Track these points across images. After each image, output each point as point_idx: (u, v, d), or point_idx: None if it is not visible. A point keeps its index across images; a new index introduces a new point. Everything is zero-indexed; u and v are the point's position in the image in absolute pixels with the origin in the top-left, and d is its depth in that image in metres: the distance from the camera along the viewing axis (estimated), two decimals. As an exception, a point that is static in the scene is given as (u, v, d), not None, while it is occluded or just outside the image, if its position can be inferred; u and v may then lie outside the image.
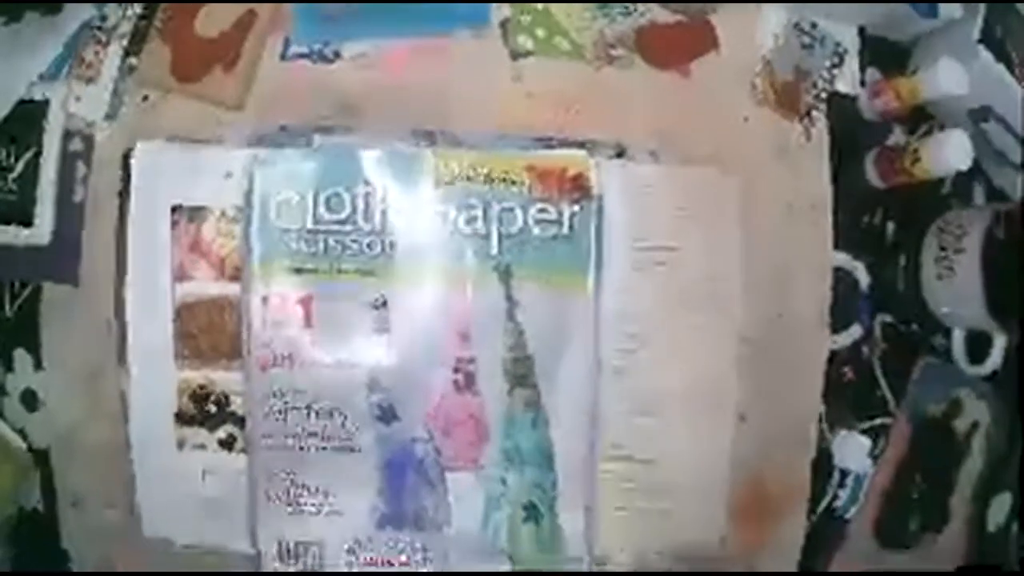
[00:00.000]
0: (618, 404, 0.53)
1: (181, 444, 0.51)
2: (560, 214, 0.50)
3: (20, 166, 0.53)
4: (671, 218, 0.53)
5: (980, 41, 0.53)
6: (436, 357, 0.50)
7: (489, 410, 0.50)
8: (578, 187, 0.50)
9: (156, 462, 0.52)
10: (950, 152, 0.51)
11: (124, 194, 0.51)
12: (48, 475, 0.54)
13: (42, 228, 0.53)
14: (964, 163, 0.52)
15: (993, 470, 0.61)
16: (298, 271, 0.49)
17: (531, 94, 0.53)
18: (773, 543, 0.57)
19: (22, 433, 0.55)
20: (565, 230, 0.50)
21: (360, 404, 0.49)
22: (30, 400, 0.54)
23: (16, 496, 0.55)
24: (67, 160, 0.53)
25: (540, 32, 0.53)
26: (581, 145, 0.52)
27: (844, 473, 0.58)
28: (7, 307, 0.54)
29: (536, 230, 0.50)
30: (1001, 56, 0.53)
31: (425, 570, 0.51)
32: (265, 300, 0.49)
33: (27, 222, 0.53)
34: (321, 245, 0.49)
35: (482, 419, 0.50)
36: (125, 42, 0.53)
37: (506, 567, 0.51)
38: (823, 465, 0.57)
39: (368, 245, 0.49)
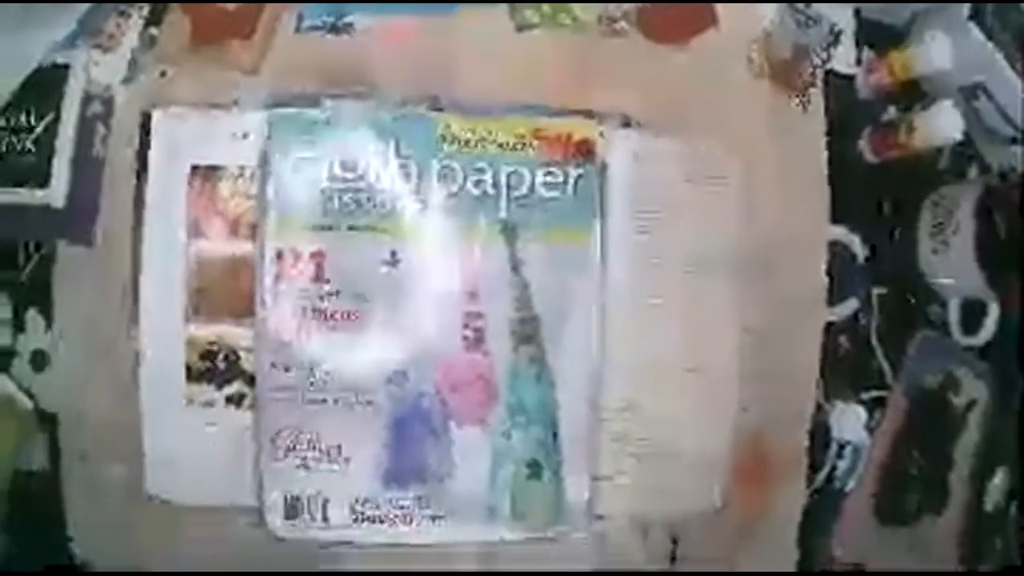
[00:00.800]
0: (621, 368, 0.54)
1: (190, 401, 0.52)
2: (566, 176, 0.52)
3: (39, 128, 0.54)
4: (672, 187, 0.55)
5: (970, 19, 0.55)
6: (445, 314, 0.51)
7: (497, 369, 0.51)
8: (583, 151, 0.52)
9: (164, 419, 0.52)
10: (943, 121, 0.53)
11: (140, 155, 0.52)
12: (54, 434, 0.55)
13: (58, 189, 0.53)
14: (956, 132, 0.54)
15: (990, 447, 0.62)
16: (312, 228, 0.50)
17: (537, 67, 0.55)
18: (772, 511, 0.57)
19: (29, 393, 0.55)
20: (570, 192, 0.52)
21: (370, 360, 0.50)
22: (39, 361, 0.55)
23: (18, 454, 0.55)
24: (86, 122, 0.54)
25: (546, 8, 0.55)
26: (587, 114, 0.53)
27: (842, 444, 0.59)
28: (21, 269, 0.55)
29: (543, 192, 0.51)
30: (991, 34, 0.55)
31: (430, 527, 0.51)
32: (279, 255, 0.50)
33: (44, 183, 0.54)
34: (335, 203, 0.50)
35: (490, 378, 0.51)
36: (145, 11, 0.55)
37: (509, 526, 0.52)
38: (821, 436, 0.58)
39: (380, 204, 0.50)
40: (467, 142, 0.51)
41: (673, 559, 0.56)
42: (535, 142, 0.52)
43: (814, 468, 0.58)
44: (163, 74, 0.54)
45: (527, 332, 0.51)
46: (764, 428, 0.57)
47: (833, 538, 0.59)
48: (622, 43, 0.56)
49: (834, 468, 0.59)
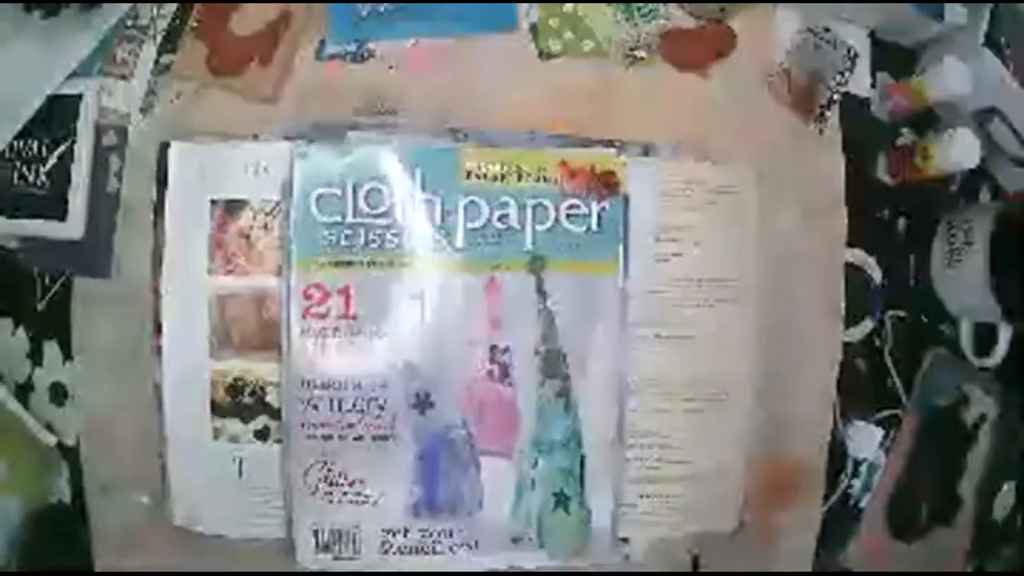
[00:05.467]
0: (642, 393, 0.54)
1: (216, 435, 0.52)
2: (590, 210, 0.52)
3: (52, 159, 0.53)
4: (692, 213, 0.55)
5: (985, 44, 0.56)
6: (471, 348, 0.51)
7: (522, 399, 0.52)
8: (607, 184, 0.52)
9: (190, 453, 0.52)
10: (959, 149, 0.54)
11: (160, 188, 0.52)
12: (77, 467, 0.54)
13: (75, 221, 0.53)
14: (972, 160, 0.54)
15: (1000, 461, 0.63)
16: (337, 263, 0.50)
17: (559, 94, 0.55)
18: (790, 528, 0.58)
19: (49, 427, 0.55)
20: (595, 225, 0.52)
21: (396, 393, 0.50)
22: (59, 394, 0.55)
23: (39, 486, 0.55)
24: (100, 154, 0.53)
25: (568, 35, 0.55)
26: (608, 144, 0.53)
27: (858, 462, 0.60)
28: (38, 301, 0.55)
29: (567, 225, 0.52)
30: (1002, 56, 0.56)
31: (457, 556, 0.52)
32: (304, 291, 0.50)
33: (59, 216, 0.53)
34: (360, 238, 0.50)
35: (515, 408, 0.52)
36: (159, 39, 0.54)
37: (536, 554, 0.52)
38: (837, 454, 0.59)
39: (405, 238, 0.50)
40: (491, 175, 0.51)
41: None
42: (559, 175, 0.52)
43: (831, 486, 0.59)
44: (180, 94, 0.54)
45: (553, 365, 0.52)
46: (781, 447, 0.58)
47: (847, 552, 0.61)
48: (643, 70, 0.56)
49: (850, 486, 0.60)
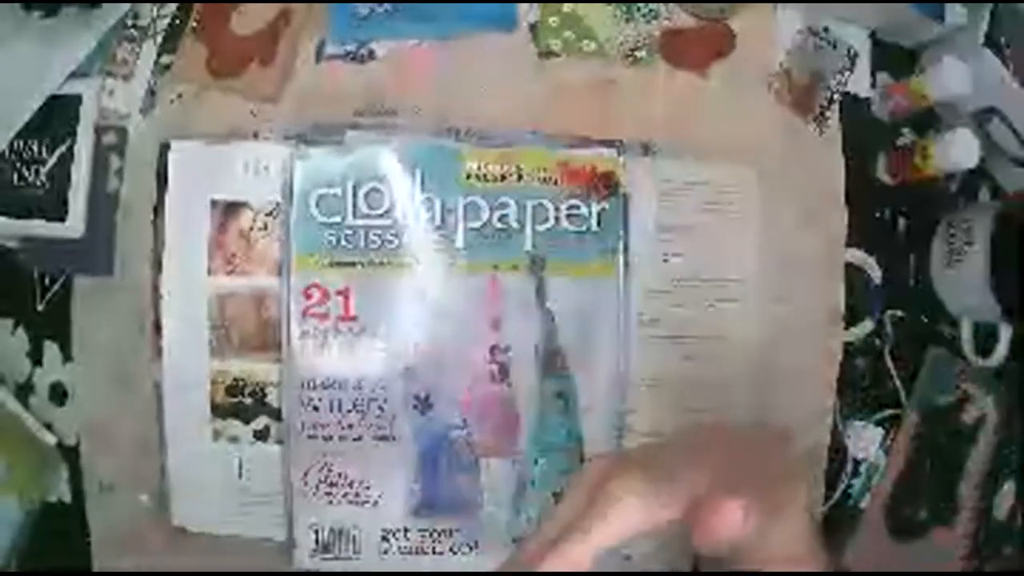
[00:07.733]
0: (644, 392, 0.54)
1: (216, 436, 0.52)
2: (589, 210, 0.52)
3: (52, 160, 0.53)
4: (693, 213, 0.55)
5: (985, 44, 0.55)
6: (471, 348, 0.51)
7: (522, 399, 0.52)
8: (607, 184, 0.52)
9: (190, 453, 0.52)
10: (959, 149, 0.54)
11: (160, 188, 0.52)
12: (76, 467, 0.54)
13: (75, 221, 0.53)
14: (971, 161, 0.54)
15: (1000, 461, 0.63)
16: (337, 264, 0.50)
17: (559, 94, 0.55)
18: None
19: (49, 427, 0.55)
20: (594, 225, 0.52)
21: (396, 394, 0.51)
22: (58, 394, 0.55)
23: (39, 486, 0.55)
24: (100, 153, 0.53)
25: (568, 34, 0.55)
26: (608, 144, 0.53)
27: (857, 462, 0.60)
28: (38, 301, 0.55)
29: (566, 225, 0.52)
30: (1002, 56, 0.56)
31: (457, 557, 0.52)
32: (304, 292, 0.50)
33: (59, 216, 0.53)
34: (360, 238, 0.50)
35: (515, 408, 0.52)
36: (159, 39, 0.54)
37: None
38: (837, 454, 0.59)
39: (405, 238, 0.50)
40: (491, 175, 0.51)
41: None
42: (558, 175, 0.52)
43: (830, 486, 0.59)
44: (180, 95, 0.54)
45: (552, 364, 0.52)
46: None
47: (847, 553, 0.61)
48: (643, 70, 0.55)
49: (850, 486, 0.60)
